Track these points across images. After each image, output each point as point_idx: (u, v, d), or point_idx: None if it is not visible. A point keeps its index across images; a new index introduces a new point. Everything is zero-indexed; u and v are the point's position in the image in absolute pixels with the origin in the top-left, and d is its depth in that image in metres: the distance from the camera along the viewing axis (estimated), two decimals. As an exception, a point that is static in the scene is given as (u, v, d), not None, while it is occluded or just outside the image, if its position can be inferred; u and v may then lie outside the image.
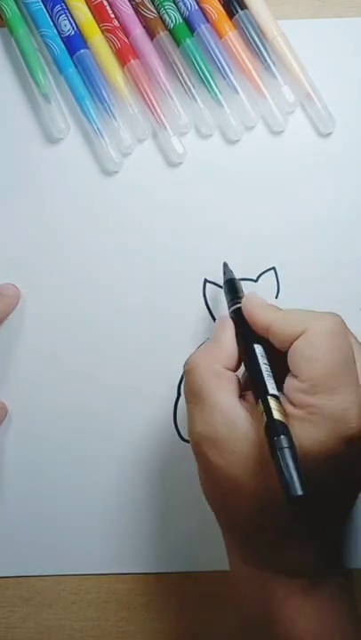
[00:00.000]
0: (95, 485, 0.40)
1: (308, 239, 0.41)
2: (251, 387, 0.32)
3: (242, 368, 0.34)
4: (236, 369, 0.33)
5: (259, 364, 0.32)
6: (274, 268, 0.41)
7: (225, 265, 0.39)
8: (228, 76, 0.41)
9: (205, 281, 0.41)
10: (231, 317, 0.35)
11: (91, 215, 0.42)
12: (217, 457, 0.31)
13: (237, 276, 0.40)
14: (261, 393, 0.30)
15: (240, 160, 0.42)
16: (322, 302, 0.40)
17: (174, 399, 0.40)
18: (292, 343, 0.31)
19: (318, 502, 0.29)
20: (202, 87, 0.41)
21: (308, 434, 0.29)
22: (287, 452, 0.27)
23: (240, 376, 0.33)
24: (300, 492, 0.26)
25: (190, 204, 0.41)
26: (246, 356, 0.33)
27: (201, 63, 0.41)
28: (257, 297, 0.35)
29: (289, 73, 0.41)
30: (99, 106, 0.41)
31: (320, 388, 0.29)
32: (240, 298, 0.36)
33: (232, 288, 0.37)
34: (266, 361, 0.32)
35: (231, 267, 0.39)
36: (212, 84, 0.41)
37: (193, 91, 0.41)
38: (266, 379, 0.31)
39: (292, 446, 0.28)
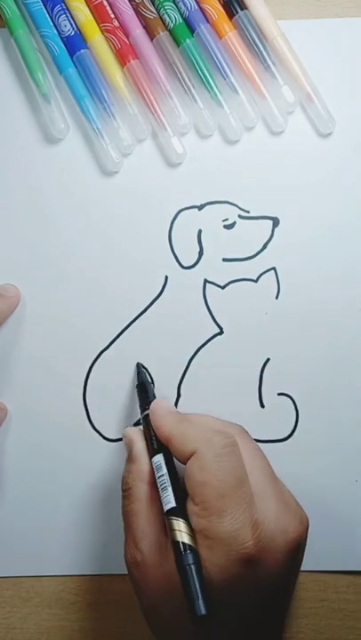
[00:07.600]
0: (95, 486, 0.40)
1: (308, 239, 0.41)
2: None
3: None
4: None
5: (163, 479, 0.33)
6: (274, 269, 0.41)
7: (138, 366, 0.39)
8: (227, 76, 0.41)
9: (205, 281, 0.41)
10: (143, 424, 0.36)
11: (90, 215, 0.42)
12: (145, 584, 0.31)
13: (238, 276, 0.41)
14: (166, 512, 0.31)
15: (240, 160, 0.42)
16: (322, 303, 0.40)
17: (174, 400, 0.40)
18: (187, 461, 0.32)
19: (229, 625, 0.29)
20: (202, 87, 0.41)
21: (207, 557, 0.29)
22: (189, 570, 0.29)
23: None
24: (203, 612, 0.27)
25: (190, 205, 0.41)
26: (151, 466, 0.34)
27: (201, 63, 0.41)
28: (163, 404, 0.35)
29: (289, 73, 0.41)
30: (98, 106, 0.41)
31: (210, 511, 0.30)
32: (149, 403, 0.36)
33: (143, 393, 0.38)
34: (165, 471, 0.33)
35: (231, 266, 0.38)
36: (212, 85, 0.41)
37: (193, 91, 0.41)
38: (163, 495, 0.32)
39: (195, 563, 0.29)
